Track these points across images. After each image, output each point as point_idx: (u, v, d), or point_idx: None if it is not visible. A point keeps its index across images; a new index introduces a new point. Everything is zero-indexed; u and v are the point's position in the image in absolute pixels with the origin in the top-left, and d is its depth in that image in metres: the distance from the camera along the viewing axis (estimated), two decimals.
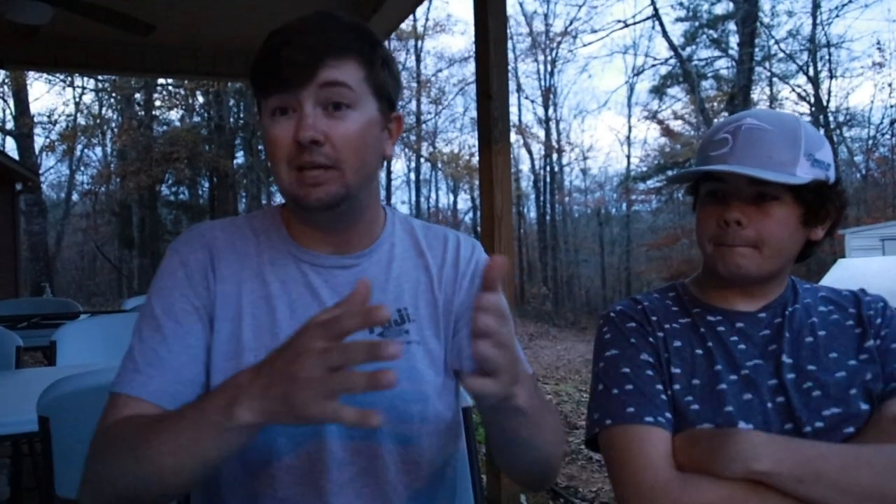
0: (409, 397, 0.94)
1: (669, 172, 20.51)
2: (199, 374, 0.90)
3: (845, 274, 8.25)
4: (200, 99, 20.80)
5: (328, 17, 0.91)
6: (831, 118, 19.12)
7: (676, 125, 21.96)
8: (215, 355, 0.91)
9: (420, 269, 1.01)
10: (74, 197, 23.52)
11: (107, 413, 0.87)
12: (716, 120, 18.93)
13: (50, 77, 19.73)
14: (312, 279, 0.95)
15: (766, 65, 19.92)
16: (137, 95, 20.86)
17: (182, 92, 20.41)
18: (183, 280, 0.93)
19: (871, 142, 19.94)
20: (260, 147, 21.21)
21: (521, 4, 23.02)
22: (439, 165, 23.82)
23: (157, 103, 21.30)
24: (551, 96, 23.17)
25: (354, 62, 0.88)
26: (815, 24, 18.96)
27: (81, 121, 22.03)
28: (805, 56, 19.40)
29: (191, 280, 0.93)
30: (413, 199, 24.06)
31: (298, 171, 0.87)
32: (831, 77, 19.35)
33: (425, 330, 0.98)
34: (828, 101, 19.18)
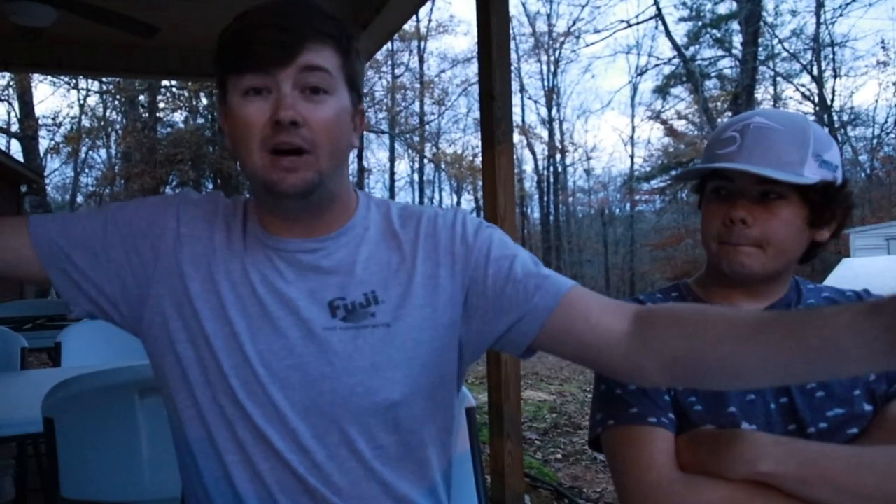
0: (374, 384, 0.92)
1: (673, 172, 20.47)
2: (88, 269, 0.96)
3: (849, 273, 8.23)
4: (204, 100, 20.84)
5: (305, 3, 0.89)
6: (835, 117, 19.07)
7: (680, 125, 21.95)
8: (181, 307, 0.94)
9: (392, 249, 0.97)
10: (79, 199, 23.59)
11: (12, 218, 0.98)
12: (719, 120, 18.92)
13: (54, 79, 19.81)
14: (277, 263, 0.95)
15: (770, 64, 19.90)
16: (141, 97, 20.93)
17: (186, 94, 20.47)
18: (151, 212, 0.97)
19: (875, 141, 19.90)
20: None
21: (523, 5, 23.04)
22: (443, 166, 23.85)
23: (161, 105, 21.37)
24: (554, 97, 23.18)
25: (333, 49, 0.88)
26: (818, 23, 18.92)
27: (86, 123, 22.14)
28: (809, 55, 19.38)
29: (157, 219, 0.96)
30: (417, 199, 24.06)
31: (273, 155, 0.85)
32: (835, 76, 19.32)
33: (397, 311, 0.94)
34: (832, 100, 19.15)
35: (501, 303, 0.93)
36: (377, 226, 1.00)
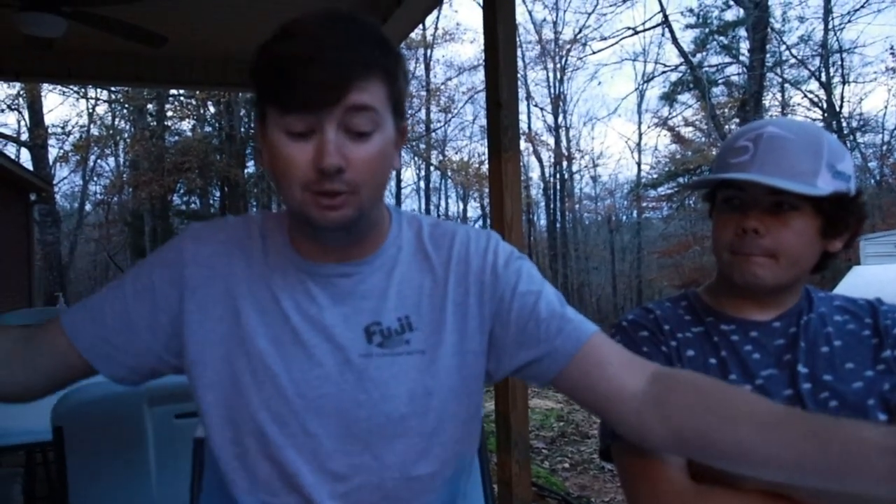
0: (409, 411, 0.91)
1: (681, 180, 20.42)
2: (128, 345, 0.92)
3: (860, 281, 8.17)
4: (212, 109, 20.95)
5: (350, 26, 0.83)
6: (844, 124, 18.99)
7: (687, 132, 21.88)
8: (205, 353, 0.92)
9: (425, 271, 0.96)
10: (87, 207, 23.72)
11: (46, 324, 0.95)
12: (727, 127, 18.86)
13: (64, 89, 19.96)
14: (311, 287, 0.93)
15: (778, 71, 19.83)
16: (150, 106, 21.04)
17: (193, 102, 20.57)
18: (163, 263, 0.94)
19: (885, 147, 19.78)
20: None
21: (530, 13, 23.07)
22: (449, 174, 23.85)
23: (169, 114, 21.48)
24: (561, 104, 23.16)
25: (379, 79, 0.83)
26: (826, 30, 18.87)
27: (94, 131, 22.26)
28: (817, 61, 19.30)
29: (170, 267, 0.93)
30: (423, 207, 24.09)
31: (314, 195, 0.82)
32: (844, 82, 19.23)
33: (431, 338, 0.93)
34: (840, 106, 19.06)
35: (523, 338, 0.93)
36: (409, 245, 0.98)
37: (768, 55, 19.25)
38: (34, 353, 0.92)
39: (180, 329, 0.92)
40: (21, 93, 19.85)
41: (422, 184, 24.71)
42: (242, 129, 20.83)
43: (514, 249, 1.00)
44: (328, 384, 0.90)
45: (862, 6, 17.96)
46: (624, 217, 24.98)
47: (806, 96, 19.77)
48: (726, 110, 20.25)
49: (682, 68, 21.05)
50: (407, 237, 0.99)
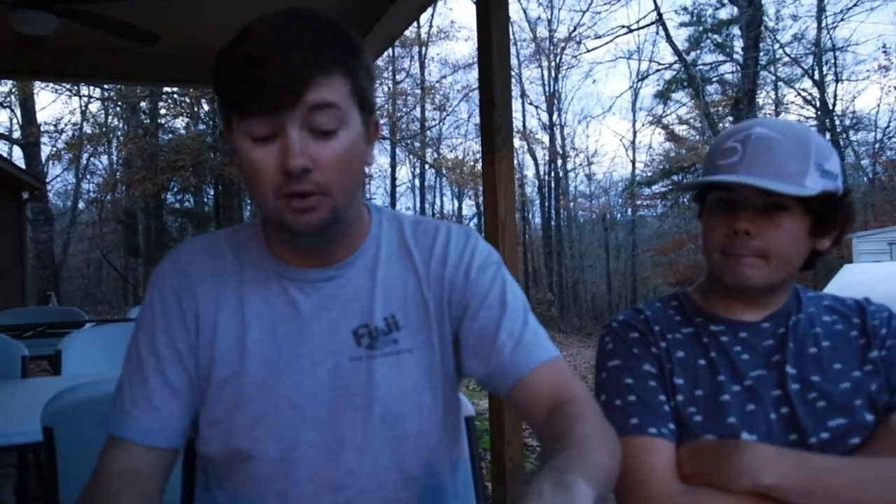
0: (403, 411, 0.91)
1: (675, 177, 20.45)
2: (182, 410, 0.91)
3: (852, 279, 8.20)
4: (205, 107, 20.87)
5: (306, 22, 0.81)
6: (837, 122, 19.06)
7: (681, 130, 21.93)
8: (203, 383, 0.91)
9: (408, 269, 0.95)
10: (80, 205, 23.63)
11: (102, 454, 0.90)
12: (721, 125, 18.91)
13: (56, 86, 19.86)
14: (295, 295, 0.91)
15: (771, 69, 19.89)
16: (143, 104, 20.96)
17: (187, 100, 20.50)
18: (160, 313, 0.92)
19: (877, 145, 19.87)
20: None
21: (524, 11, 23.10)
22: (444, 172, 23.84)
23: (163, 111, 21.40)
24: (555, 102, 23.17)
25: (340, 76, 0.81)
26: (819, 28, 18.93)
27: (87, 129, 22.16)
28: (810, 60, 19.36)
29: (167, 313, 0.91)
30: (418, 205, 24.08)
31: (286, 199, 0.81)
32: (837, 81, 19.30)
33: (418, 335, 0.93)
34: (834, 104, 19.13)
35: (478, 349, 0.93)
36: (390, 243, 0.97)
37: (762, 53, 19.31)
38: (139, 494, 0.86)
39: (199, 365, 0.92)
40: (13, 90, 19.75)
41: (416, 182, 24.70)
42: None
43: (492, 251, 0.99)
44: (322, 391, 0.89)
45: (855, 4, 18.03)
46: (618, 215, 25.02)
47: (799, 94, 19.85)
48: (720, 108, 20.31)
49: (677, 66, 21.09)
50: (387, 235, 0.98)
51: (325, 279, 0.92)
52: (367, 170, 0.95)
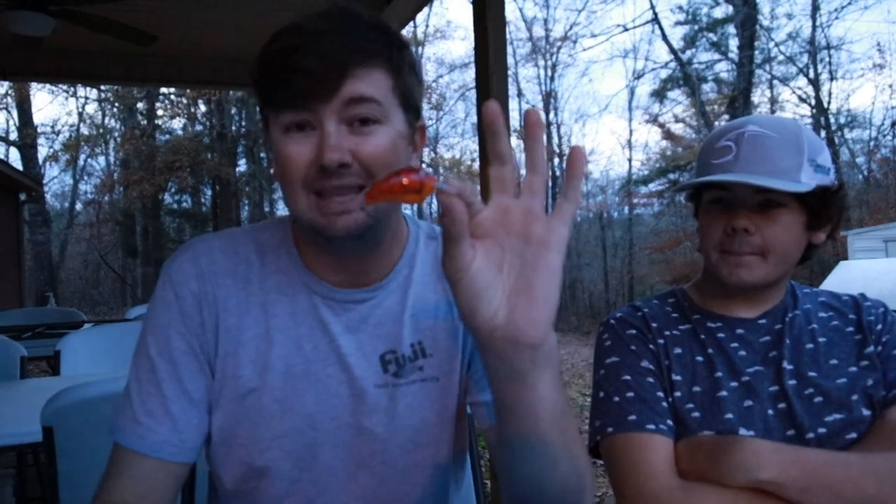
0: (423, 441, 0.89)
1: (671, 176, 20.43)
2: (201, 421, 0.86)
3: (847, 276, 8.22)
4: (202, 107, 20.86)
5: (345, 12, 0.77)
6: (832, 120, 19.10)
7: (677, 128, 21.95)
8: (219, 396, 0.86)
9: (439, 294, 0.90)
10: (78, 206, 23.56)
11: (110, 467, 0.84)
12: (717, 123, 18.94)
13: (53, 87, 19.83)
14: (323, 313, 0.86)
15: (767, 67, 19.92)
16: (140, 105, 20.95)
17: (184, 101, 20.48)
18: (177, 317, 0.85)
19: (872, 143, 19.90)
20: (262, 155, 21.26)
21: (520, 10, 23.05)
22: (441, 171, 23.84)
23: (160, 112, 21.38)
24: (552, 101, 23.18)
25: (382, 71, 0.76)
26: (814, 27, 18.96)
27: (84, 130, 22.13)
28: (805, 58, 19.40)
29: (185, 317, 0.84)
30: (415, 205, 24.08)
31: (319, 197, 0.76)
32: (832, 79, 19.33)
33: (445, 364, 0.88)
34: (828, 102, 19.16)
35: (480, 378, 0.89)
36: (425, 264, 0.91)
37: (757, 52, 19.35)
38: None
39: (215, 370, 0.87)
40: (9, 92, 19.71)
41: None
42: (233, 128, 20.76)
43: None
44: (344, 415, 0.86)
45: (849, 3, 18.08)
46: (615, 213, 25.03)
47: (794, 93, 19.88)
48: (716, 106, 20.34)
49: (672, 65, 21.12)
50: (423, 255, 0.91)
51: (357, 301, 0.87)
52: None
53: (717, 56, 20.78)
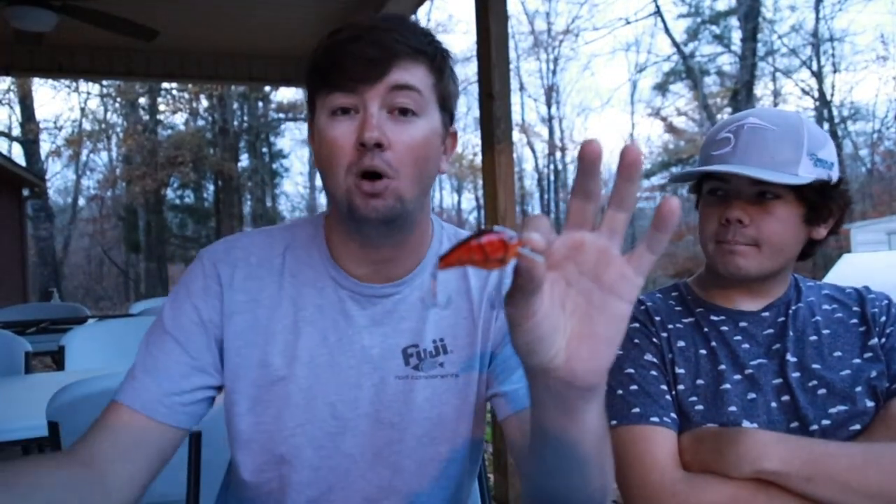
0: (439, 435, 0.91)
1: (674, 169, 20.44)
2: (198, 388, 0.88)
3: (850, 269, 8.20)
4: (204, 102, 20.87)
5: (399, 17, 0.86)
6: (835, 112, 19.04)
7: (680, 122, 21.94)
8: (240, 380, 0.89)
9: (462, 293, 0.93)
10: (81, 202, 23.64)
11: (99, 419, 0.86)
12: (719, 116, 18.89)
13: (55, 83, 19.83)
14: (349, 306, 0.90)
15: (770, 60, 19.87)
16: (142, 100, 20.96)
17: (186, 96, 20.47)
18: (199, 292, 0.89)
19: (875, 135, 19.86)
20: (264, 150, 21.26)
21: (522, 3, 23.00)
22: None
23: (162, 107, 21.40)
24: (554, 94, 23.17)
25: (425, 67, 0.83)
26: (817, 19, 18.90)
27: (87, 126, 22.17)
28: (808, 51, 19.34)
29: (207, 293, 0.89)
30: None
31: (357, 178, 0.80)
32: (835, 71, 19.29)
33: (465, 361, 0.91)
34: (832, 95, 19.11)
35: (501, 372, 0.91)
36: None
37: (760, 44, 19.28)
38: (111, 461, 0.81)
39: (222, 355, 0.90)
40: (12, 87, 19.72)
41: None
42: (235, 123, 20.76)
43: None
44: (364, 405, 0.89)
45: None
46: None
47: (797, 85, 19.86)
48: (718, 100, 20.29)
49: (675, 58, 21.06)
50: None
51: (383, 296, 0.91)
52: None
53: (719, 49, 20.74)
